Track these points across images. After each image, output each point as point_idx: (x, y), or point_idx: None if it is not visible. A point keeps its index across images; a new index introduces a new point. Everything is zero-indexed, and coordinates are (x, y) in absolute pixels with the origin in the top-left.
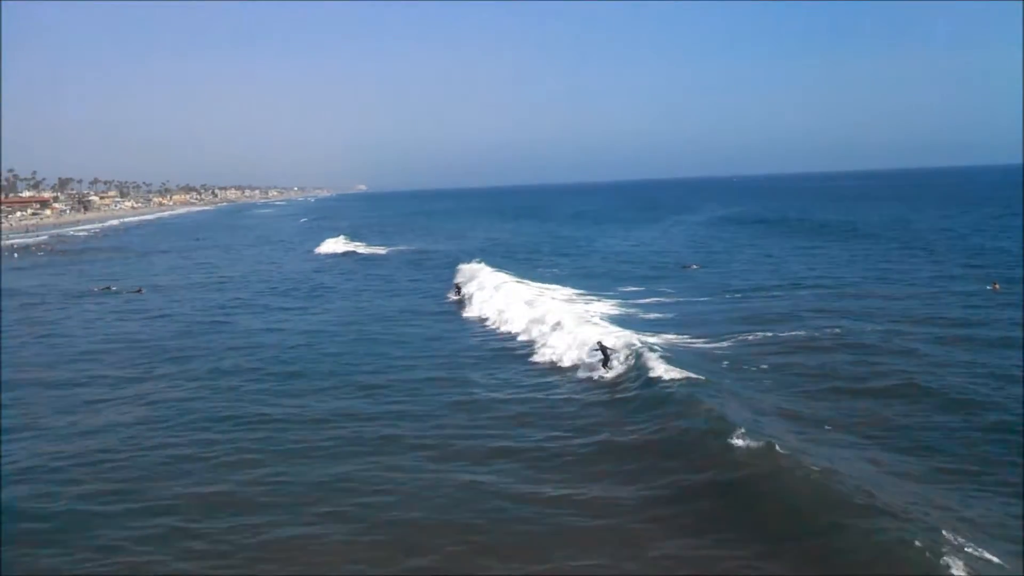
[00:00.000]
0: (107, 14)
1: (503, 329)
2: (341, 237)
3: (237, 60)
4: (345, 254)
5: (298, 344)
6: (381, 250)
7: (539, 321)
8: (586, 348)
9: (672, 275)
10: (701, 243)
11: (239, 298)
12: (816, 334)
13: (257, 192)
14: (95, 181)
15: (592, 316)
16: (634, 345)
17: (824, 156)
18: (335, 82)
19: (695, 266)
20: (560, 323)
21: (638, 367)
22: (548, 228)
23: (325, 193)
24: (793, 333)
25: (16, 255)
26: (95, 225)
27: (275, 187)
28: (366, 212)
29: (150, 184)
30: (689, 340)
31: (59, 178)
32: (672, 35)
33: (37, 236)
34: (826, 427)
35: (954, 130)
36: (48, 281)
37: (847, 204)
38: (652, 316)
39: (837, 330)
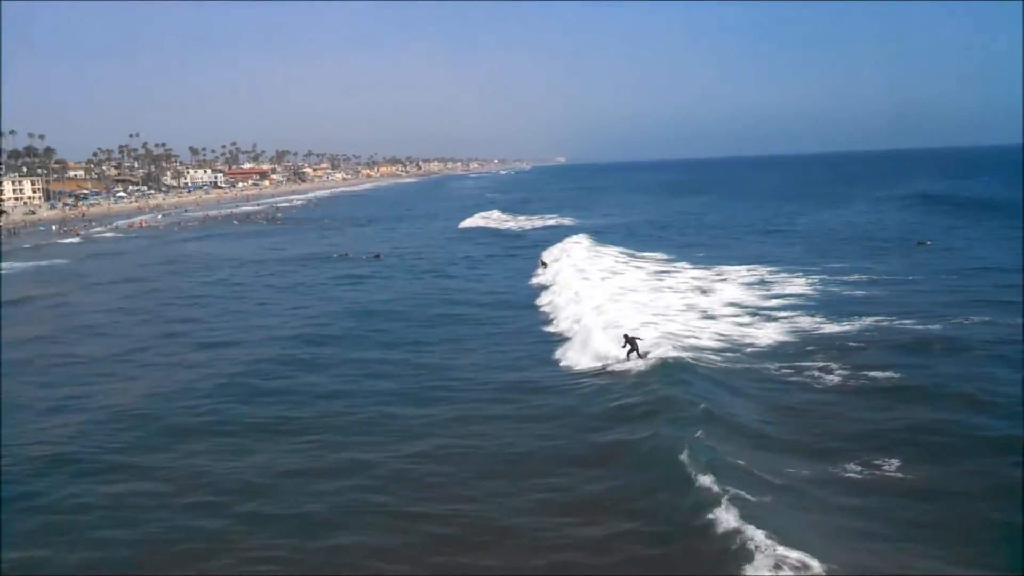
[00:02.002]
0: (323, 7)
1: (550, 319)
2: (495, 211)
3: (445, 39)
4: (482, 229)
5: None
6: (527, 224)
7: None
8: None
9: (896, 252)
10: (917, 220)
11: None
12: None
13: (459, 164)
14: (309, 154)
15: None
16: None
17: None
18: (539, 54)
19: (929, 242)
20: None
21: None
22: (742, 204)
23: (523, 165)
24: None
25: (236, 222)
26: (308, 195)
27: (476, 159)
28: (547, 185)
29: (359, 156)
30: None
31: (276, 151)
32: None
33: (257, 205)
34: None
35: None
36: (277, 246)
37: None
38: (859, 293)
39: None
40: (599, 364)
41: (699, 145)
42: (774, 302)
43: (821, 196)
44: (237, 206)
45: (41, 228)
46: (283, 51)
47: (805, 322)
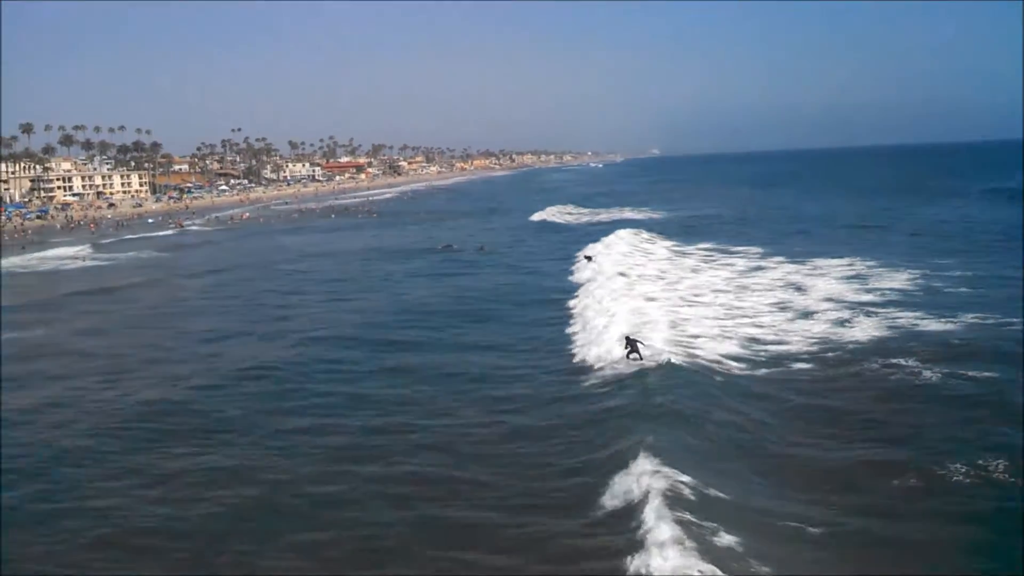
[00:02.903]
0: (419, 5)
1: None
2: (569, 205)
3: (541, 34)
4: (558, 224)
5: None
6: (609, 216)
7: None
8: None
9: (1005, 248)
10: None
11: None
12: None
13: (552, 157)
14: (404, 147)
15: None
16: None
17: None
18: (631, 45)
19: None
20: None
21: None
22: (843, 197)
23: (616, 158)
24: None
25: (334, 215)
26: (401, 188)
27: (570, 152)
28: (634, 177)
29: (453, 150)
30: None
31: (373, 144)
32: None
33: (354, 198)
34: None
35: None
36: (377, 239)
37: None
38: (963, 291)
39: None
40: (601, 365)
41: (794, 135)
42: (868, 297)
43: (924, 189)
44: (336, 199)
45: (150, 220)
46: (380, 47)
47: (904, 319)
